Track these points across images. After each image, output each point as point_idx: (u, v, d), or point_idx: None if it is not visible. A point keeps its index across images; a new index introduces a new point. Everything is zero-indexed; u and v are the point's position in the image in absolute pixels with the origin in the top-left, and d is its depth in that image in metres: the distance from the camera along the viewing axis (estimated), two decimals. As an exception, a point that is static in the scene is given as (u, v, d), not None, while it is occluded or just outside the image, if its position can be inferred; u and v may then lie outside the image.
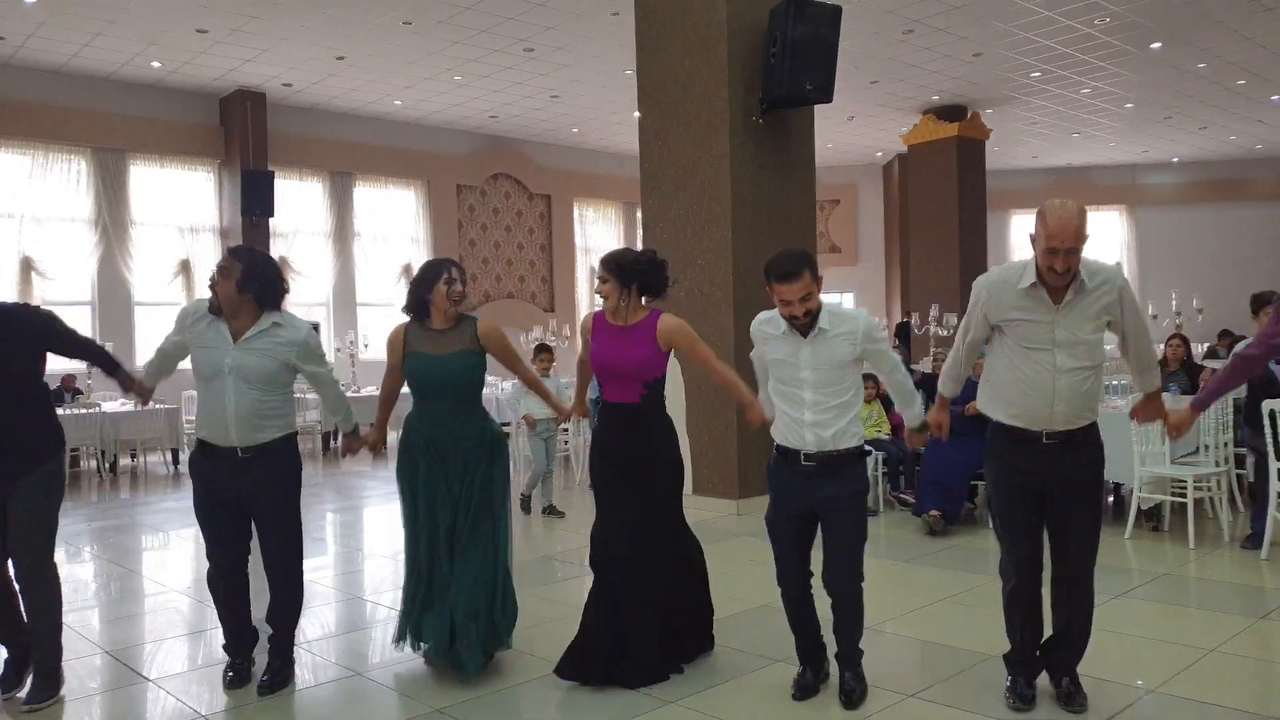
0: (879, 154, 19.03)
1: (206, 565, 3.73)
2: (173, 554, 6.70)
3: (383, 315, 14.88)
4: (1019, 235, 20.43)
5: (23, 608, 3.58)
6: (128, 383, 3.85)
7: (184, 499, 8.68)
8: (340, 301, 15.13)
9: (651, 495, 3.63)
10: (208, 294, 3.60)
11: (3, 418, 3.44)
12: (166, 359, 3.78)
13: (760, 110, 7.35)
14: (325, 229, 14.95)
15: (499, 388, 11.47)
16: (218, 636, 4.41)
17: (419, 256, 15.88)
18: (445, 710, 3.42)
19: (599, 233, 18.62)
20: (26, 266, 12.28)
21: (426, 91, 13.79)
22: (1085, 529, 3.18)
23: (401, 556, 5.58)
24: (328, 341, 13.95)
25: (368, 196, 15.47)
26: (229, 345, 3.52)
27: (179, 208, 13.58)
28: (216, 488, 3.59)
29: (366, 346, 13.53)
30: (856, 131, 16.88)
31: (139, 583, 5.65)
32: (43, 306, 3.80)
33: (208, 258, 13.58)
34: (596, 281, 3.73)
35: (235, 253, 3.59)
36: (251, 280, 3.51)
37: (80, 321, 12.55)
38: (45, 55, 11.62)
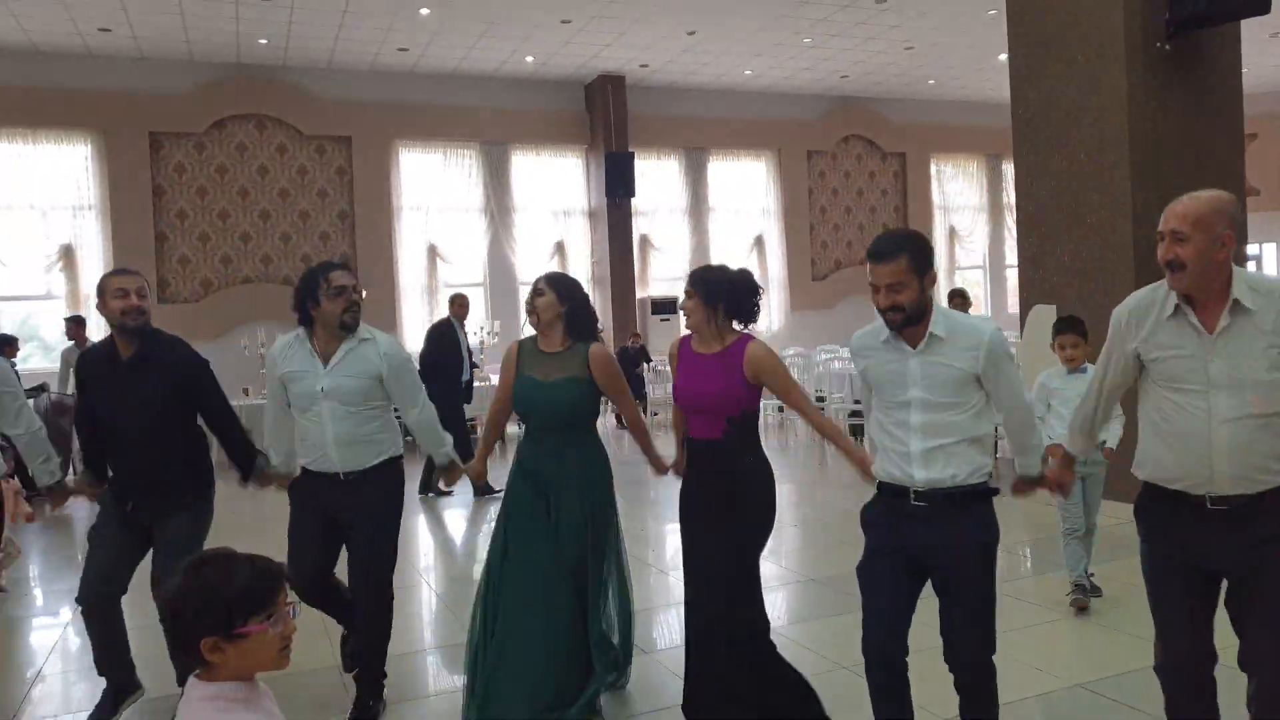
0: (1321, 74, 15.51)
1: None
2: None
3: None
4: None
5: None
6: (263, 479, 3.62)
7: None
8: (695, 275, 15.47)
9: (727, 541, 3.14)
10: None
11: (144, 452, 3.37)
12: (285, 417, 3.58)
13: (1166, 34, 6.13)
14: (681, 205, 15.36)
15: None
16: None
17: (770, 228, 15.84)
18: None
19: (958, 189, 17.30)
20: (432, 253, 13.96)
21: (777, 58, 13.56)
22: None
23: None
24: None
25: (721, 170, 15.64)
26: (320, 370, 3.45)
27: (553, 192, 14.64)
28: (315, 508, 3.49)
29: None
30: (1290, 49, 13.85)
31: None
32: (208, 360, 3.58)
33: (579, 239, 14.62)
34: (682, 296, 3.36)
35: (342, 276, 3.43)
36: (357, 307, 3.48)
37: (474, 301, 14.01)
38: (440, 61, 13.05)
